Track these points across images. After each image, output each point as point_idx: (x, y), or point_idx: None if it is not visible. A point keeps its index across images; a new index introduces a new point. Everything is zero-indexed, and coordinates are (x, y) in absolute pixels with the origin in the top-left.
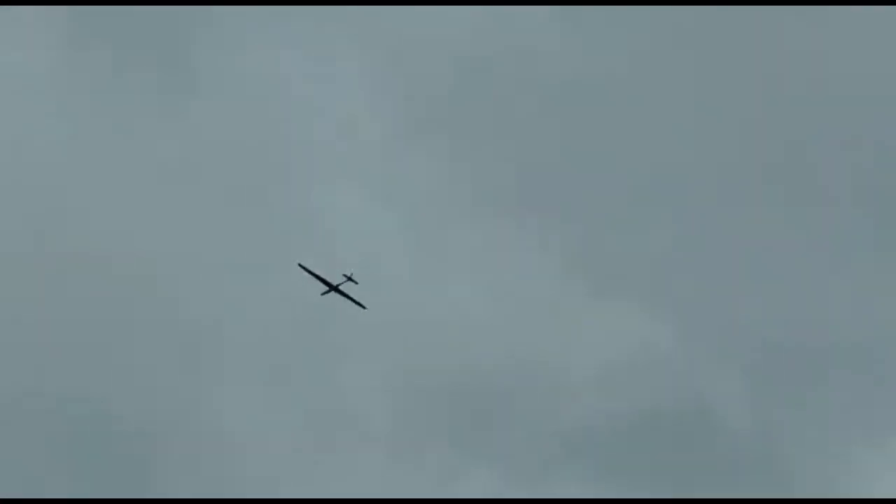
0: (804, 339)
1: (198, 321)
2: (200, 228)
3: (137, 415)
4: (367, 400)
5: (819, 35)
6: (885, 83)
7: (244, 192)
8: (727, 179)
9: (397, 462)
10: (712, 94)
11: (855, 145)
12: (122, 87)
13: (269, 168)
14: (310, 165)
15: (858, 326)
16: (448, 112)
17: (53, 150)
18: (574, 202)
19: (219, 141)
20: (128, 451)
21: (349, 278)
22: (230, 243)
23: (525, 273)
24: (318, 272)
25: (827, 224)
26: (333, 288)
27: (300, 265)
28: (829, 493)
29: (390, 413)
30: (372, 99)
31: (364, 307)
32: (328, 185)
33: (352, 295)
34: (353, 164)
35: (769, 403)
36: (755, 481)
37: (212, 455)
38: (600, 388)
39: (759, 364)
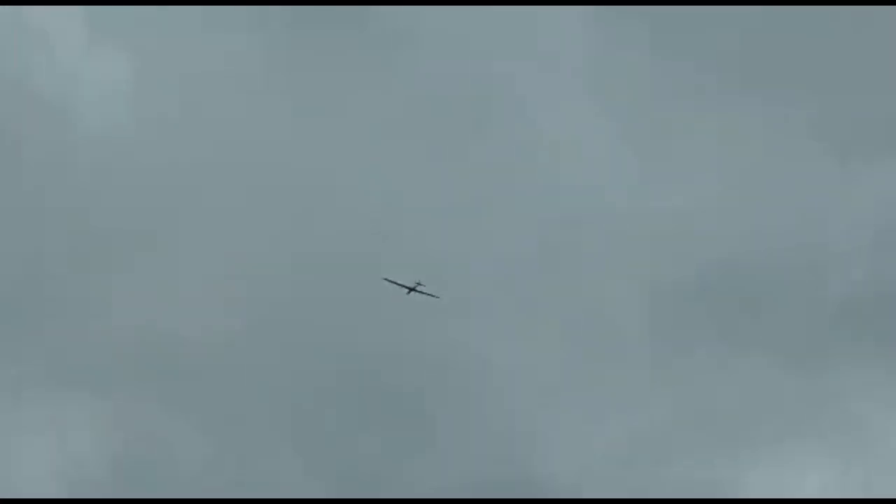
0: None
1: (444, 259)
2: (434, 171)
3: (414, 354)
4: (627, 308)
5: None
6: None
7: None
8: None
9: (665, 364)
10: None
11: None
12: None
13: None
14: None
15: None
16: None
17: (283, 129)
18: (809, 72)
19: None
20: (408, 384)
21: (416, 286)
22: (462, 183)
23: (770, 150)
24: (399, 281)
25: None
26: (411, 289)
27: (385, 279)
28: None
29: (653, 316)
30: None
31: (437, 297)
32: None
33: (429, 291)
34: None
35: None
36: None
37: (483, 386)
38: (867, 257)
39: None
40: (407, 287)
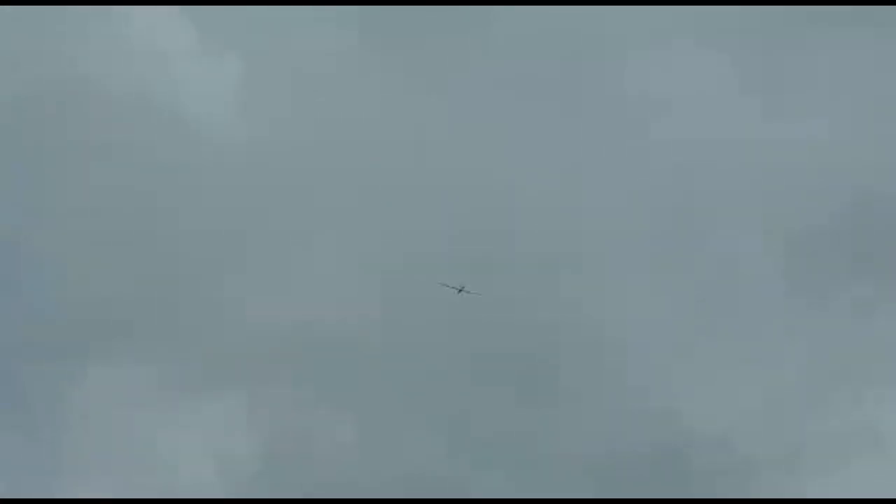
0: None
1: (575, 222)
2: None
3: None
4: (758, 256)
5: None
6: None
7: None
8: None
9: (801, 313)
10: None
11: None
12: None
13: None
14: None
15: None
16: None
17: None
18: None
19: None
20: (541, 349)
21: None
22: (579, 143)
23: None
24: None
25: None
26: (460, 290)
27: (441, 283)
28: None
29: (786, 263)
30: None
31: (480, 294)
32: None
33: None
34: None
35: None
36: None
37: (616, 346)
38: None
39: None
40: (456, 289)
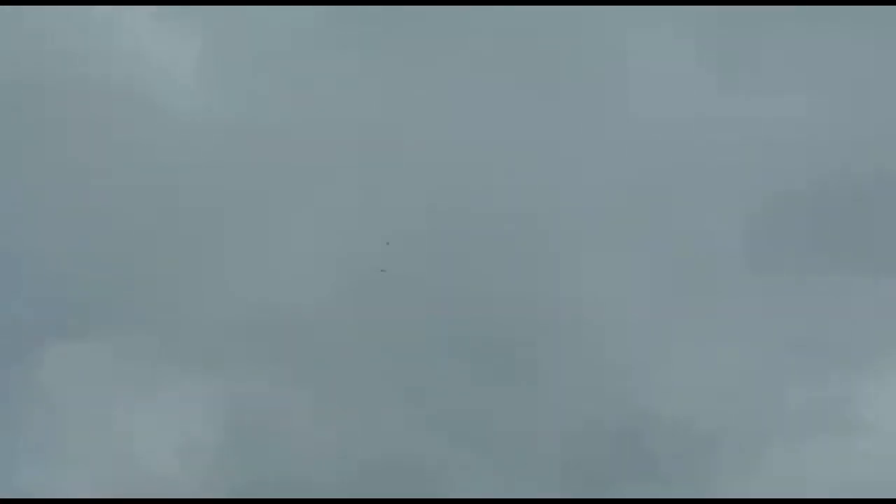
0: None
1: (538, 197)
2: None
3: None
4: (728, 233)
5: None
6: None
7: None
8: None
9: (771, 290)
10: None
11: None
12: None
13: None
14: None
15: None
16: None
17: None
18: None
19: None
20: (508, 328)
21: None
22: (550, 118)
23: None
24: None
25: None
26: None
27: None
28: None
29: (755, 239)
30: None
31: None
32: None
33: None
34: None
35: None
36: None
37: (585, 323)
38: None
39: None
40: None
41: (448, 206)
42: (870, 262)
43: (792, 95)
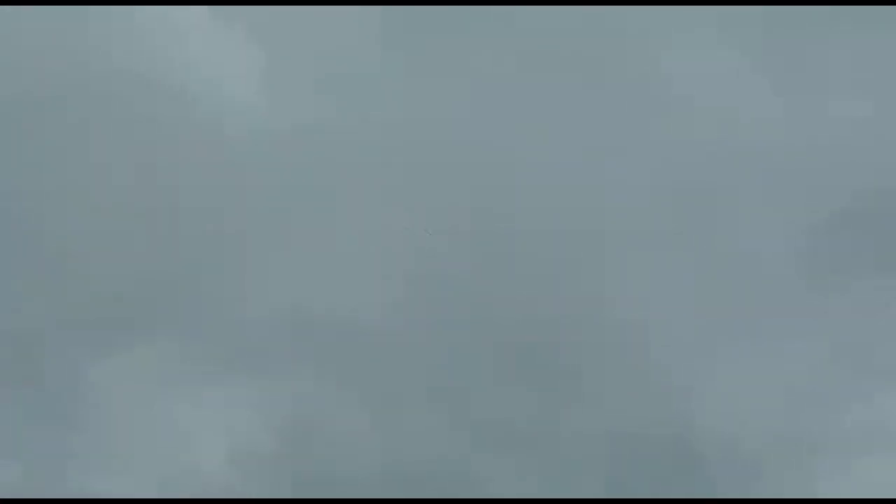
0: None
1: (581, 210)
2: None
3: (554, 311)
4: (774, 248)
5: None
6: None
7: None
8: None
9: (820, 305)
10: None
11: None
12: None
13: None
14: None
15: None
16: None
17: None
18: None
19: None
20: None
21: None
22: (592, 129)
23: None
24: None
25: None
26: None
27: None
28: None
29: (803, 254)
30: None
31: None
32: None
33: None
34: None
35: None
36: None
37: (630, 338)
38: None
39: None
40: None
41: (491, 209)
42: None
43: (854, 98)
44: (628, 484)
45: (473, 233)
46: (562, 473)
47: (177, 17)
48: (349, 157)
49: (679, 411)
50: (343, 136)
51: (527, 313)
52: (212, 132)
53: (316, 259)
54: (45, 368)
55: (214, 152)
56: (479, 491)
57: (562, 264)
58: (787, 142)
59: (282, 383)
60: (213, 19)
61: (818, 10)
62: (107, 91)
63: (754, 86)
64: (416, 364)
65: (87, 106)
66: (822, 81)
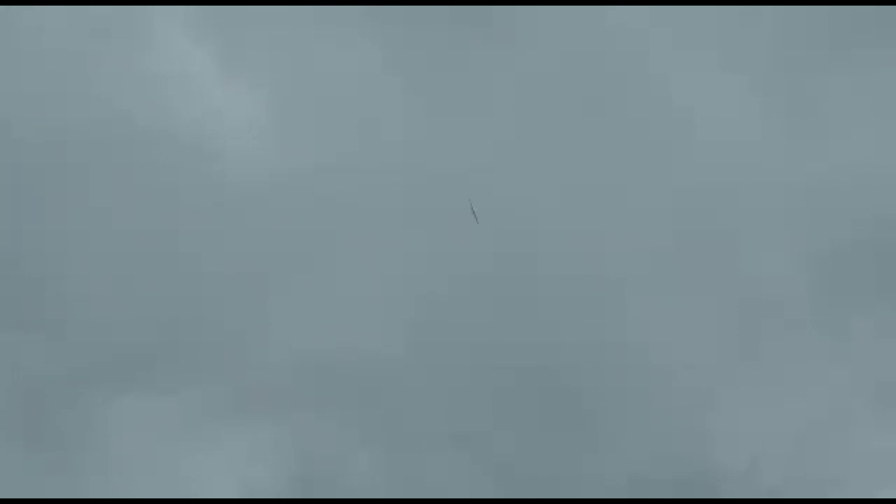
0: None
1: (593, 245)
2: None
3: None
4: (788, 279)
5: None
6: None
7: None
8: None
9: (835, 336)
10: None
11: None
12: None
13: None
14: None
15: None
16: None
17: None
18: None
19: None
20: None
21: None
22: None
23: None
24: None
25: None
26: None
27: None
28: None
29: (817, 286)
30: None
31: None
32: None
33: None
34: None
35: None
36: None
37: (644, 373)
38: None
39: None
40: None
41: (514, 251)
42: None
43: (858, 139)
44: None
45: (496, 275)
46: None
47: (182, 65)
48: (370, 203)
49: (697, 452)
50: (364, 181)
51: (550, 355)
52: (212, 179)
53: (338, 306)
54: (57, 417)
55: (233, 197)
56: None
57: (585, 306)
58: (806, 183)
59: (302, 428)
60: (216, 67)
61: (822, 53)
62: (115, 138)
63: (768, 128)
64: (438, 409)
65: (90, 152)
66: (831, 122)
